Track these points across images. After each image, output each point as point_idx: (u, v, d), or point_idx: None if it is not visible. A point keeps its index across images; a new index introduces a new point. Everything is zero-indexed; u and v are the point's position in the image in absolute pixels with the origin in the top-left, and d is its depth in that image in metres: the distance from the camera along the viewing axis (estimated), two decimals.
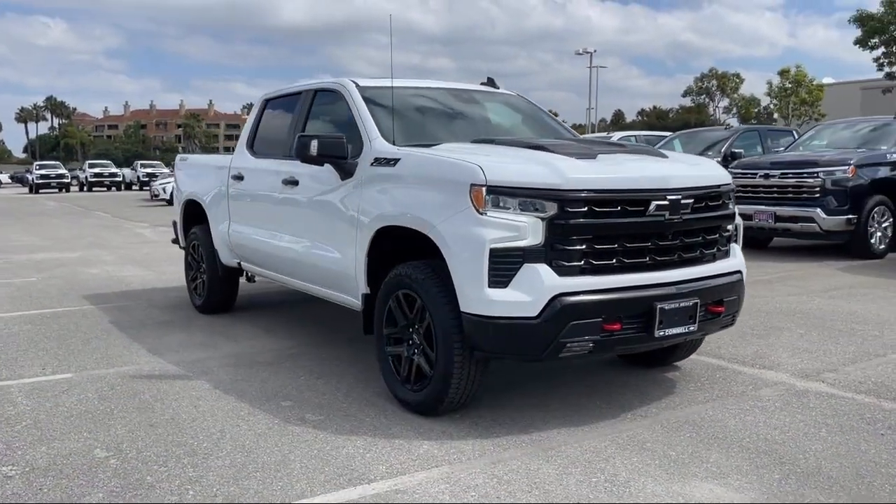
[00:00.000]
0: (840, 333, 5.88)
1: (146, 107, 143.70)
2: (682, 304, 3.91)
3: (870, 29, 41.50)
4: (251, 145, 6.26)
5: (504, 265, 3.63)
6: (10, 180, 69.19)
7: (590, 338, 3.71)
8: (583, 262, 3.71)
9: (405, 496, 3.14)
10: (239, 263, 6.41)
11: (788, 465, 3.42)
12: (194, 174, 7.27)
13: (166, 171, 40.85)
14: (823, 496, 3.12)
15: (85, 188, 46.11)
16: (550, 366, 4.96)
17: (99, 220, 20.38)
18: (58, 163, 52.12)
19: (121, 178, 46.97)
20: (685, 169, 4.24)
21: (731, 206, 4.36)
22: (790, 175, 10.35)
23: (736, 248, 4.48)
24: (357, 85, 5.07)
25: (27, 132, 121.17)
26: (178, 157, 7.92)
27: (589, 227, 3.70)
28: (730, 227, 4.38)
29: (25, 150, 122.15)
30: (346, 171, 4.64)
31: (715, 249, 4.24)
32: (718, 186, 4.23)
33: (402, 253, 4.26)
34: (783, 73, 49.33)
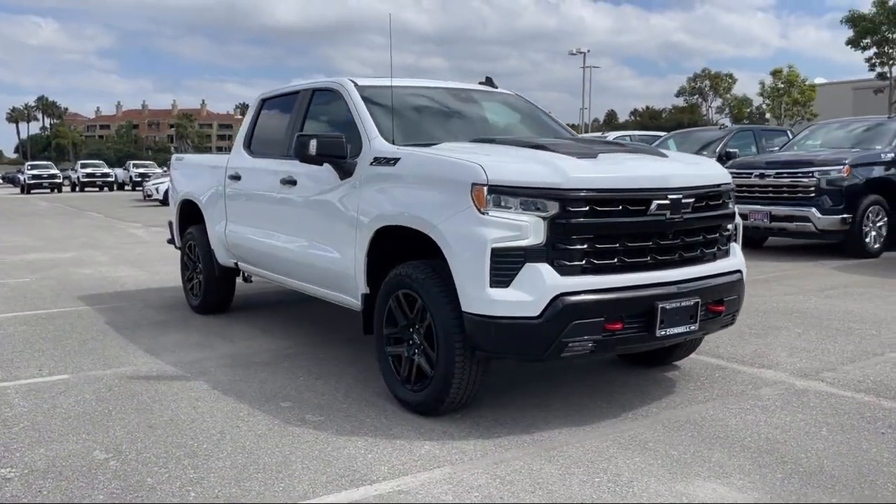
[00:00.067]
0: (838, 332, 5.90)
1: (138, 107, 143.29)
2: (683, 304, 3.90)
3: (861, 29, 41.71)
4: (248, 145, 6.23)
5: (506, 265, 3.62)
6: (1, 181, 68.84)
7: (591, 337, 3.70)
8: (584, 262, 3.70)
9: (408, 497, 3.12)
10: (236, 263, 6.38)
11: (791, 465, 3.42)
12: (190, 174, 7.23)
13: (159, 171, 40.71)
14: (826, 496, 3.12)
15: (77, 188, 45.90)
16: (551, 365, 4.95)
17: (91, 220, 20.29)
18: (49, 163, 51.86)
19: (113, 179, 46.78)
20: (685, 168, 4.24)
21: (731, 206, 4.36)
22: (785, 175, 10.39)
23: (736, 248, 4.48)
24: (356, 84, 5.06)
25: (18, 132, 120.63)
26: (174, 156, 7.88)
27: (590, 227, 3.70)
28: (730, 226, 4.38)
29: (17, 150, 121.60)
30: (345, 171, 4.62)
31: (715, 249, 4.24)
32: (719, 186, 4.23)
33: (402, 253, 4.24)
34: (776, 74, 49.52)
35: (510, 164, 3.84)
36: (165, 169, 39.07)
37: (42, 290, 8.34)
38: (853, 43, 42.64)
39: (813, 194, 10.04)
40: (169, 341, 5.86)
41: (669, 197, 3.88)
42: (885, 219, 10.30)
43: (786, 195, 10.32)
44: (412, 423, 3.97)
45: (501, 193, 3.66)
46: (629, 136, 18.42)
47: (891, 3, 40.98)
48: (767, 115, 54.11)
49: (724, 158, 11.88)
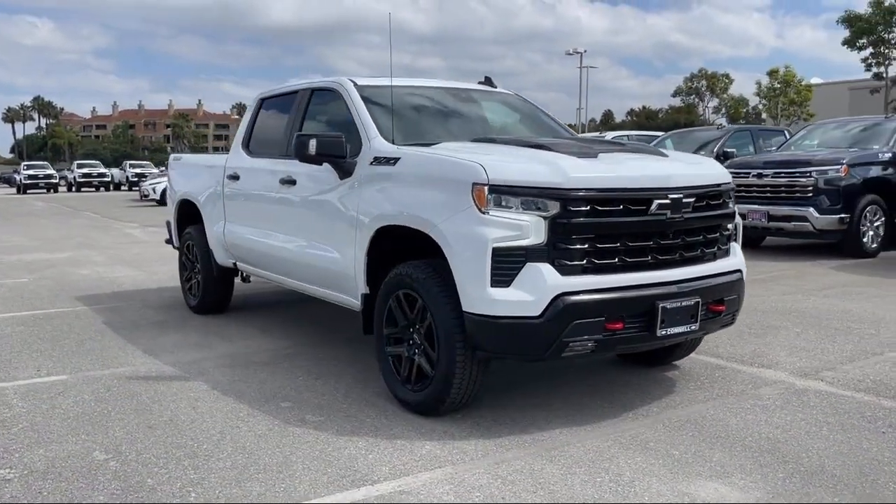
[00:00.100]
0: (836, 332, 5.90)
1: (135, 107, 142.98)
2: (683, 304, 3.90)
3: (858, 30, 41.81)
4: (247, 145, 6.22)
5: (506, 264, 3.61)
6: None
7: (592, 337, 3.70)
8: (585, 262, 3.69)
9: (410, 497, 3.12)
10: (234, 264, 6.36)
11: (792, 464, 3.42)
12: (188, 174, 7.22)
13: (156, 171, 40.64)
14: (829, 495, 3.12)
15: (73, 188, 45.81)
16: (551, 365, 4.95)
17: (88, 220, 20.24)
18: (46, 163, 51.76)
19: (109, 179, 46.69)
20: (686, 168, 4.23)
21: (731, 205, 4.36)
22: (783, 174, 10.40)
23: (736, 247, 4.48)
24: (355, 84, 5.04)
25: (14, 132, 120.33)
26: (172, 156, 7.86)
27: (591, 226, 3.69)
28: (730, 225, 4.38)
29: (12, 150, 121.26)
30: (344, 171, 4.61)
31: (715, 248, 4.24)
32: (719, 185, 4.23)
33: (402, 253, 4.23)
34: (772, 74, 49.63)
35: (511, 163, 3.83)
36: (162, 169, 39.04)
37: (39, 291, 8.31)
38: (849, 43, 42.77)
39: (811, 194, 10.06)
40: (167, 341, 5.85)
41: (670, 196, 3.88)
42: (883, 218, 10.31)
43: (783, 195, 10.33)
44: (412, 423, 3.97)
45: (502, 193, 3.65)
46: (626, 135, 18.43)
47: (887, 4, 41.10)
48: (764, 116, 54.22)
49: (721, 158, 11.89)
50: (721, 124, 41.32)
